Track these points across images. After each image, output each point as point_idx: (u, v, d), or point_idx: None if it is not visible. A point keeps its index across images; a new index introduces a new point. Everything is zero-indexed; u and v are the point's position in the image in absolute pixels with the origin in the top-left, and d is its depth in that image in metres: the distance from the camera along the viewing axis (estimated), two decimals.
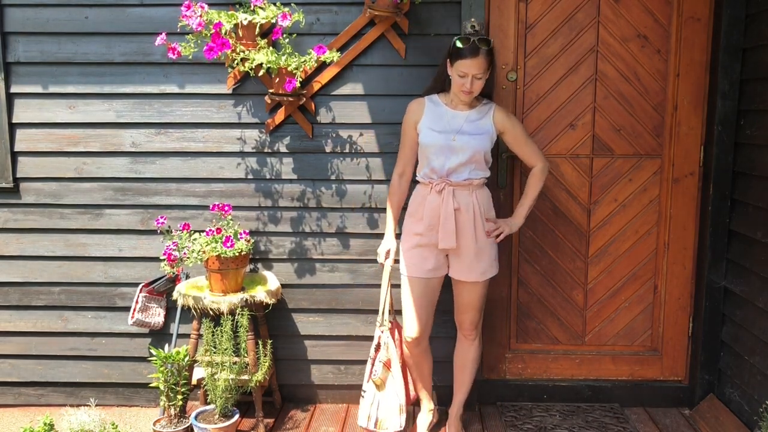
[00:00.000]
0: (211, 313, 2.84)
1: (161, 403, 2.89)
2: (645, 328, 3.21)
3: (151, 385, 2.93)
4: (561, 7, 2.99)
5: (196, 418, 2.83)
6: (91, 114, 3.07)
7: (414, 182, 2.79)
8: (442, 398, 3.12)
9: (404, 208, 2.85)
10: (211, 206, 3.03)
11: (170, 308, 3.16)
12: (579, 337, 3.22)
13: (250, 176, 3.11)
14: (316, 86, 3.00)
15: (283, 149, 3.08)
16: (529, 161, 2.76)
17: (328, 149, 3.07)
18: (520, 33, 3.01)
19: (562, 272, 3.17)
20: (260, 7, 2.78)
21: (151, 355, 2.86)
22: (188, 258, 2.79)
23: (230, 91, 3.04)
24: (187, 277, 3.13)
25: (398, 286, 2.82)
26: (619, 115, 3.06)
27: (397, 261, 2.82)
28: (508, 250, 3.14)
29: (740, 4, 2.86)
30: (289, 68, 2.77)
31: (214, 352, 2.83)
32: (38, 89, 3.06)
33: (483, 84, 2.59)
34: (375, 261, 3.06)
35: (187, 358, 2.85)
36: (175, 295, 2.92)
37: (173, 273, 2.88)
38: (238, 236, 2.87)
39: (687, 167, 3.07)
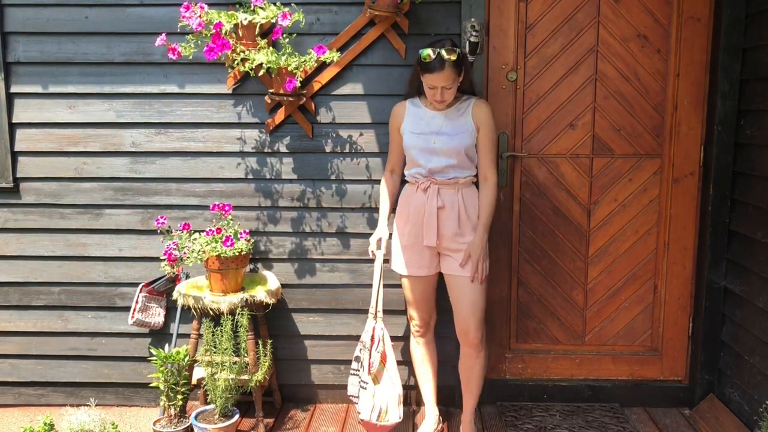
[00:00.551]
0: (211, 312, 2.84)
1: (161, 403, 2.89)
2: (645, 328, 3.21)
3: (151, 385, 2.93)
4: (561, 7, 2.99)
5: (196, 418, 2.83)
6: (91, 114, 3.07)
7: (404, 182, 2.81)
8: (443, 398, 3.11)
9: (394, 210, 2.86)
10: (211, 206, 3.03)
11: (170, 308, 3.16)
12: (579, 337, 3.22)
13: (250, 176, 3.11)
14: (316, 86, 3.00)
15: (283, 149, 3.08)
16: (482, 170, 2.68)
17: (328, 149, 3.08)
18: (520, 33, 3.01)
19: (562, 272, 3.17)
20: (260, 7, 2.78)
21: (151, 355, 2.86)
22: (188, 258, 2.80)
23: (230, 91, 3.04)
24: (187, 277, 3.13)
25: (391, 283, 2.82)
26: (619, 115, 3.05)
27: (387, 261, 2.84)
28: (508, 250, 3.14)
29: (740, 4, 2.86)
30: (289, 68, 2.77)
31: (214, 352, 2.83)
32: (38, 89, 3.06)
33: (455, 91, 2.60)
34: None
35: (187, 358, 2.85)
36: (175, 294, 2.92)
37: (173, 273, 2.88)
38: (238, 236, 2.87)
39: (687, 167, 3.07)
